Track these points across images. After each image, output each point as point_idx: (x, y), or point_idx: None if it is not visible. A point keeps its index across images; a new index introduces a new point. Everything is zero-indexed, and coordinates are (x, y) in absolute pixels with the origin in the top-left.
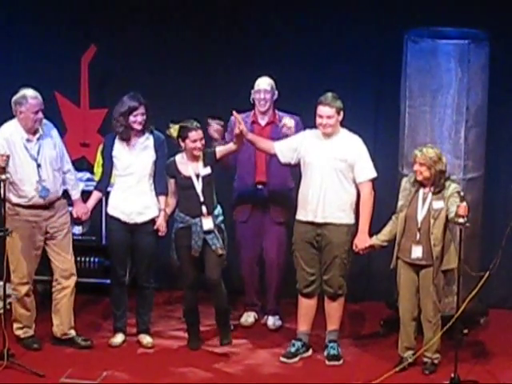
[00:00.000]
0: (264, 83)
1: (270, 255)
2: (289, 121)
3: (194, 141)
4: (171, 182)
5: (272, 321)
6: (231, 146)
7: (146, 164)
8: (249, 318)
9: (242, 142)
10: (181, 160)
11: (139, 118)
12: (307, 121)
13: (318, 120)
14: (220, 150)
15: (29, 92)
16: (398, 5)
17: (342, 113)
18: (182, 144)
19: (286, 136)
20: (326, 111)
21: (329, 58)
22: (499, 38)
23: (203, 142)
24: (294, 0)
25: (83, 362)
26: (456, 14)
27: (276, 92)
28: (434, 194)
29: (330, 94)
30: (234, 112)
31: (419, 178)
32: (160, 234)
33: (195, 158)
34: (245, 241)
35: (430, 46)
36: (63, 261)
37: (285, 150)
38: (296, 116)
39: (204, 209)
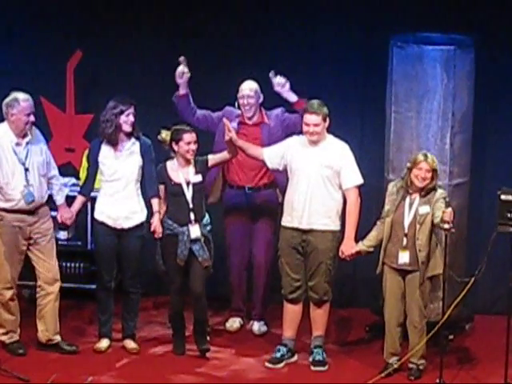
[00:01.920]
0: (247, 88)
1: (258, 259)
2: (279, 78)
3: (188, 143)
4: (161, 188)
5: (257, 326)
6: (225, 155)
7: (132, 169)
8: (234, 323)
9: (235, 150)
10: (172, 166)
11: (131, 118)
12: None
13: (305, 128)
14: (213, 158)
15: (20, 95)
16: (384, 10)
17: (328, 119)
18: (175, 147)
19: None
20: (313, 119)
21: (314, 63)
22: (485, 44)
23: (196, 145)
24: (279, 4)
25: (68, 367)
26: (441, 20)
27: (261, 95)
28: (421, 197)
29: (315, 102)
30: (224, 119)
31: (422, 184)
32: (156, 235)
33: (186, 164)
34: (234, 245)
35: (416, 52)
36: (47, 267)
37: (272, 156)
38: (280, 107)
39: (192, 216)
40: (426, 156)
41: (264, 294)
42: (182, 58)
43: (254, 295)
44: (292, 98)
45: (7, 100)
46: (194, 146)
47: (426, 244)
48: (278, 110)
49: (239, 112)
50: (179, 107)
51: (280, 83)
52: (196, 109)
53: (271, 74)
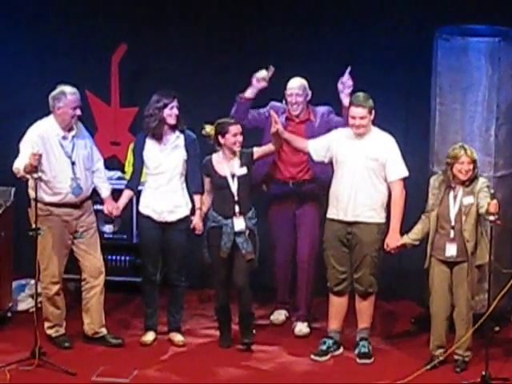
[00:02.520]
0: (295, 86)
1: (302, 256)
2: (348, 79)
3: (235, 134)
4: (207, 180)
5: (299, 327)
6: (270, 147)
7: (176, 163)
8: (280, 316)
9: (280, 142)
10: (217, 159)
11: (175, 111)
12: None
13: (351, 121)
14: (258, 150)
15: (67, 88)
16: (429, 2)
17: (373, 112)
18: (222, 140)
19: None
20: (359, 112)
21: (360, 56)
22: None
23: (242, 137)
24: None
25: (114, 360)
26: (486, 12)
27: (309, 92)
28: (465, 188)
29: (361, 94)
30: (271, 111)
31: (466, 177)
32: (196, 232)
33: (232, 157)
34: (279, 239)
35: (461, 44)
36: (91, 260)
37: (318, 148)
38: (327, 106)
39: (237, 208)
40: (464, 149)
41: (308, 294)
42: (271, 67)
43: (298, 295)
44: (345, 102)
45: (54, 93)
46: (240, 138)
47: (473, 234)
48: (325, 109)
49: (285, 107)
50: (238, 108)
51: (347, 84)
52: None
53: (348, 70)
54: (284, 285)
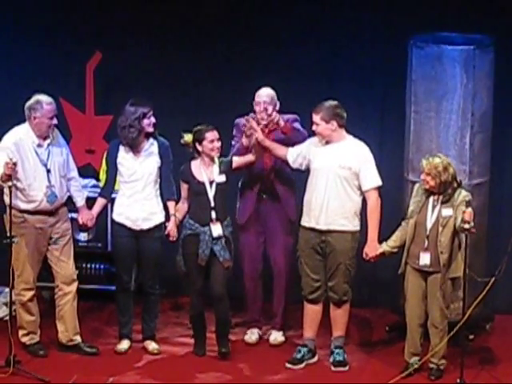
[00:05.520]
0: (263, 94)
1: (278, 266)
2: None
3: (212, 141)
4: (184, 187)
5: (274, 336)
6: (249, 157)
7: (151, 170)
8: (253, 335)
9: (260, 152)
10: (196, 165)
11: (153, 119)
12: (310, 130)
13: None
14: (237, 160)
15: (44, 98)
16: (403, 10)
17: (334, 122)
18: (199, 147)
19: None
20: (313, 117)
21: (333, 65)
22: (504, 44)
23: (220, 143)
24: (295, 6)
25: (89, 368)
26: (461, 20)
27: (277, 103)
28: (442, 202)
29: (322, 103)
30: (250, 119)
31: (426, 186)
32: (171, 239)
33: (211, 163)
34: (247, 253)
35: (435, 52)
36: (65, 267)
37: (295, 155)
38: (293, 114)
39: (213, 214)
40: (428, 160)
41: (285, 304)
42: (250, 118)
43: (275, 303)
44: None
45: (30, 103)
46: (217, 144)
47: (448, 246)
48: (290, 117)
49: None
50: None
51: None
52: None
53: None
54: (254, 300)
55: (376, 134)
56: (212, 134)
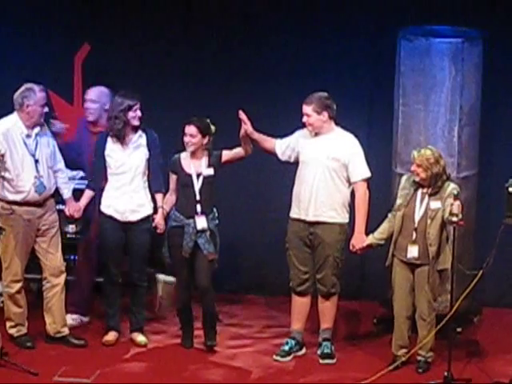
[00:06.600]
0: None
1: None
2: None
3: (185, 135)
4: (173, 178)
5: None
6: (239, 151)
7: (139, 162)
8: None
9: (249, 145)
10: (185, 157)
11: (138, 113)
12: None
13: (303, 119)
14: (226, 153)
15: (35, 86)
16: (392, 3)
17: (325, 113)
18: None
19: None
20: (304, 109)
21: (322, 57)
22: (492, 37)
23: (196, 139)
24: (286, 0)
25: (76, 360)
26: (449, 13)
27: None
28: (431, 194)
29: (312, 94)
30: (240, 111)
31: (416, 178)
32: (158, 231)
33: (196, 156)
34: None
35: (424, 45)
36: (53, 258)
37: (284, 148)
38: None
39: (199, 207)
40: (419, 151)
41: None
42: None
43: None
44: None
45: (21, 91)
46: (193, 139)
47: (437, 239)
48: None
49: None
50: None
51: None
52: None
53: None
54: None
55: (364, 127)
56: (187, 129)
